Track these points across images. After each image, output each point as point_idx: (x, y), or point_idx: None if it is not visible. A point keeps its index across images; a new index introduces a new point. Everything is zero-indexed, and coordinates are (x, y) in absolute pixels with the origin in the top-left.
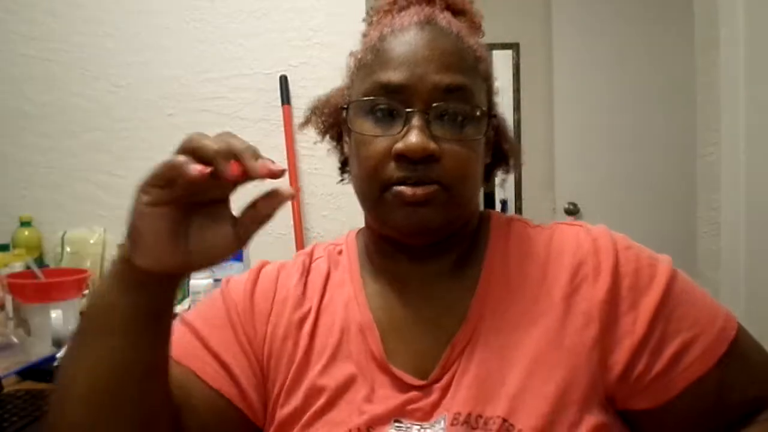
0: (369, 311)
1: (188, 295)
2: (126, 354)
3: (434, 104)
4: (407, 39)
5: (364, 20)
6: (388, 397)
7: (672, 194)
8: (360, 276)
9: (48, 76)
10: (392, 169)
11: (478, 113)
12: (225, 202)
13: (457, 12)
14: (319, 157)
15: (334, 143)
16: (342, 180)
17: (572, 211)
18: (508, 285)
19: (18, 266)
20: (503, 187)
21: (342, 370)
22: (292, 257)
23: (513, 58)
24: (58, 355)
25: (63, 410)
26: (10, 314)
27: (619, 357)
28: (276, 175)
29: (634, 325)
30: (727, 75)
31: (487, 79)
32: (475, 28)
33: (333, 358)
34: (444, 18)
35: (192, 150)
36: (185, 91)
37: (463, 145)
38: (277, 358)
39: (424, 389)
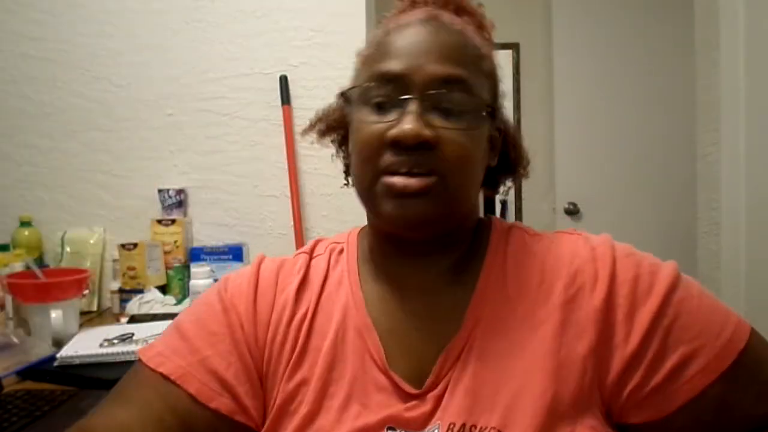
0: (367, 314)
1: (188, 295)
2: None
3: (430, 92)
4: (409, 33)
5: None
6: (382, 405)
7: (672, 194)
8: (358, 277)
9: (48, 76)
10: (386, 158)
11: (476, 106)
12: None
13: (466, 13)
14: (319, 157)
15: (337, 146)
16: (346, 184)
17: (572, 211)
18: (505, 292)
19: (18, 266)
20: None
21: (337, 374)
22: (293, 255)
23: (513, 58)
24: (58, 354)
25: None
26: (10, 314)
27: (613, 368)
28: None
29: (628, 337)
30: (727, 75)
31: (491, 77)
32: (483, 29)
33: (328, 361)
34: (449, 16)
35: None
36: (185, 91)
37: (461, 134)
38: (276, 363)
39: (419, 398)
